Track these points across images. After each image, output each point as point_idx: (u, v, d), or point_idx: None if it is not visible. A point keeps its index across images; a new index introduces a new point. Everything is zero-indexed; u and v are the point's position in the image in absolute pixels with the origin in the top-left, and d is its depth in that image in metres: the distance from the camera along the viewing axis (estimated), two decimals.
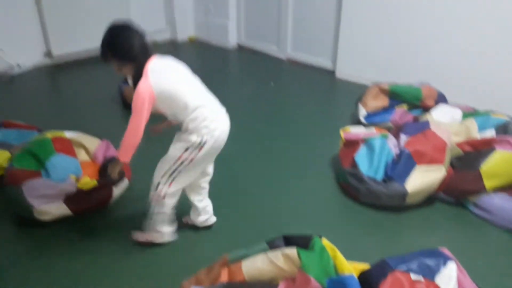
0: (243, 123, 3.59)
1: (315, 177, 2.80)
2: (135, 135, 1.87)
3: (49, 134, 2.58)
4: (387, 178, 2.45)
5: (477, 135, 2.75)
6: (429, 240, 2.26)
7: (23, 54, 4.72)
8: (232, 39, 5.80)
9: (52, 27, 4.78)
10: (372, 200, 2.46)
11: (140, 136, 1.88)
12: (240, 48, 5.79)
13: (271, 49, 5.44)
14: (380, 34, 4.18)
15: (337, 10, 4.50)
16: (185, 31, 6.08)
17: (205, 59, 5.50)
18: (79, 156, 2.56)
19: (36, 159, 2.41)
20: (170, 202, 2.05)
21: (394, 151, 2.56)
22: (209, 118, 1.91)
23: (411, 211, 2.47)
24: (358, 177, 2.48)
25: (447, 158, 2.48)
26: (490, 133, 2.73)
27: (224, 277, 1.79)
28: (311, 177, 2.80)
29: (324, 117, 3.69)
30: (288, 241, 1.88)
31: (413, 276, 1.53)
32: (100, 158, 2.62)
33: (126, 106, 3.70)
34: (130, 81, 1.99)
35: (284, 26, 5.13)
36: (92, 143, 2.66)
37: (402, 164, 2.44)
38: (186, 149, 1.92)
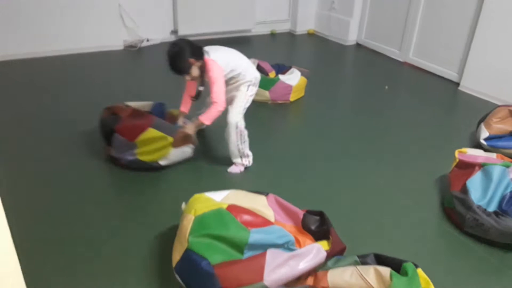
0: (350, 122, 3.48)
1: (416, 196, 2.58)
2: (221, 105, 2.47)
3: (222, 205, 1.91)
4: (501, 212, 2.17)
5: None
6: None
7: (153, 30, 5.13)
8: (351, 37, 5.65)
9: (181, 9, 5.11)
10: (477, 232, 2.20)
11: (224, 106, 2.49)
12: (359, 46, 5.61)
13: (392, 52, 5.18)
14: None
15: (474, 20, 4.09)
16: (305, 24, 6.07)
17: (322, 53, 5.43)
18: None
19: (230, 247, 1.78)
20: (246, 130, 2.66)
21: None
22: (249, 69, 2.70)
23: None
24: (467, 203, 2.23)
25: None
26: None
27: (309, 281, 1.76)
28: (412, 196, 2.59)
29: (438, 132, 3.40)
30: (380, 260, 1.78)
31: None
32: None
33: None
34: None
35: (411, 30, 4.84)
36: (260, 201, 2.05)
37: None
38: (248, 87, 2.65)
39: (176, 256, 1.81)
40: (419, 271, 1.64)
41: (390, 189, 2.65)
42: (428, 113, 3.74)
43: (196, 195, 2.03)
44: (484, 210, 2.19)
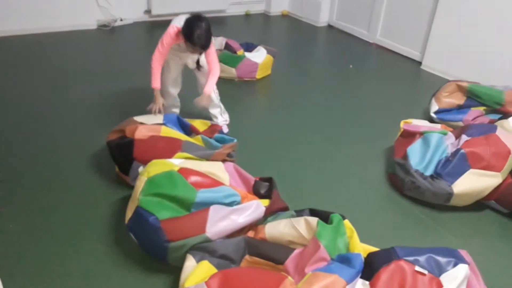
0: (314, 99, 3.64)
1: (367, 163, 2.78)
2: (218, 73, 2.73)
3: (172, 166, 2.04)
4: (436, 175, 2.36)
5: None
6: (464, 244, 2.16)
7: (126, 10, 5.19)
8: (323, 18, 5.77)
9: None
10: (415, 194, 2.40)
11: None
12: (330, 28, 5.74)
13: (360, 33, 5.33)
14: (474, 31, 3.91)
15: (434, 1, 4.26)
16: (280, 5, 6.16)
17: (294, 34, 5.55)
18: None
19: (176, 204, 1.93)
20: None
21: (450, 149, 2.44)
22: None
23: (456, 213, 2.37)
24: (406, 168, 2.42)
25: (507, 167, 2.31)
26: None
27: (250, 234, 1.93)
28: (363, 163, 2.79)
29: (398, 108, 3.58)
30: (313, 213, 1.95)
31: (417, 268, 1.52)
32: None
33: None
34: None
35: (377, 12, 4.99)
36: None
37: (454, 164, 2.32)
38: None
39: (129, 214, 1.95)
40: (346, 221, 1.81)
41: (346, 158, 2.84)
42: (391, 91, 3.92)
43: (155, 160, 2.17)
44: (421, 174, 2.38)
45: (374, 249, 1.76)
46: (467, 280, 1.56)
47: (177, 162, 2.15)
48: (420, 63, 4.53)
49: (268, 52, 4.03)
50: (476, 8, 3.87)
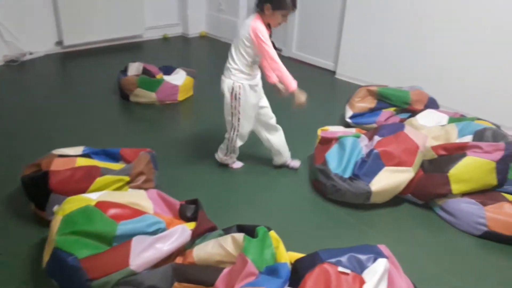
0: None
1: (291, 172, 2.85)
2: (280, 63, 2.42)
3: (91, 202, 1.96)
4: (354, 176, 2.47)
5: (455, 140, 2.74)
6: (388, 238, 2.28)
7: (36, 42, 4.94)
8: None
9: (65, 19, 4.96)
10: (337, 197, 2.50)
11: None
12: None
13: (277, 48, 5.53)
14: (379, 38, 4.22)
15: (341, 12, 4.54)
16: (197, 27, 6.20)
17: (214, 54, 5.61)
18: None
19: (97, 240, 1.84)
20: None
21: (365, 150, 2.58)
22: None
23: (377, 210, 2.50)
24: (326, 173, 2.51)
25: (417, 161, 2.49)
26: (468, 139, 2.72)
27: (178, 260, 1.88)
28: (288, 173, 2.85)
29: (315, 117, 3.72)
30: (240, 229, 1.96)
31: (341, 269, 1.57)
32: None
33: (124, 96, 3.85)
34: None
35: (291, 27, 5.20)
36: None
37: (370, 164, 2.46)
38: None
39: (46, 257, 1.83)
40: (272, 232, 1.84)
41: (272, 169, 2.89)
42: (309, 102, 4.04)
43: (70, 198, 2.06)
44: (341, 177, 2.49)
45: (300, 255, 1.79)
46: (387, 273, 1.63)
47: (94, 196, 2.06)
48: (334, 72, 4.77)
49: (188, 73, 4.03)
50: (380, 17, 4.17)
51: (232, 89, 2.52)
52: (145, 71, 3.94)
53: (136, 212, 1.99)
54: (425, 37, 3.87)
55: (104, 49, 5.36)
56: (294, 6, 2.38)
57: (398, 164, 2.45)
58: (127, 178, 2.29)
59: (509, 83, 3.46)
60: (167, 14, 6.03)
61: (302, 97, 2.48)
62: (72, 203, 1.97)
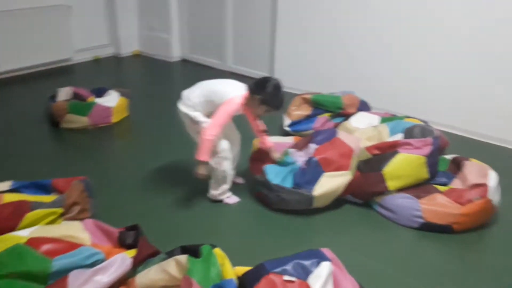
0: (175, 134, 3.61)
1: (233, 187, 2.82)
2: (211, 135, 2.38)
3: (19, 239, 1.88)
4: (296, 186, 2.51)
5: (387, 139, 2.87)
6: (333, 240, 2.33)
7: None
8: (175, 53, 5.85)
9: None
10: (282, 206, 2.52)
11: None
12: (184, 62, 5.84)
13: (214, 63, 5.53)
14: (312, 47, 4.37)
15: (272, 24, 4.64)
16: (130, 46, 6.07)
17: (148, 72, 5.52)
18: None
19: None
20: None
21: (301, 160, 2.64)
22: None
23: (321, 214, 2.55)
24: (268, 185, 2.53)
25: (353, 164, 2.57)
26: (399, 137, 2.85)
27: None
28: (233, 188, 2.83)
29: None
30: (184, 250, 1.91)
31: (286, 277, 1.57)
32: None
33: (54, 123, 3.66)
34: None
35: (226, 40, 5.24)
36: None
37: (310, 172, 2.51)
38: None
39: None
40: (216, 250, 1.81)
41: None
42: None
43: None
44: (282, 187, 2.51)
45: (247, 269, 1.78)
46: (332, 275, 1.66)
47: (25, 233, 1.94)
48: None
49: (122, 94, 3.92)
50: (310, 27, 4.31)
51: (191, 117, 2.55)
52: (76, 95, 3.79)
53: (72, 246, 1.89)
54: (355, 45, 4.05)
55: (31, 75, 5.09)
56: (278, 108, 2.50)
57: (337, 169, 2.51)
58: (60, 210, 2.18)
59: (432, 81, 3.70)
60: (97, 35, 5.85)
61: (203, 171, 2.44)
62: (0, 244, 1.83)
